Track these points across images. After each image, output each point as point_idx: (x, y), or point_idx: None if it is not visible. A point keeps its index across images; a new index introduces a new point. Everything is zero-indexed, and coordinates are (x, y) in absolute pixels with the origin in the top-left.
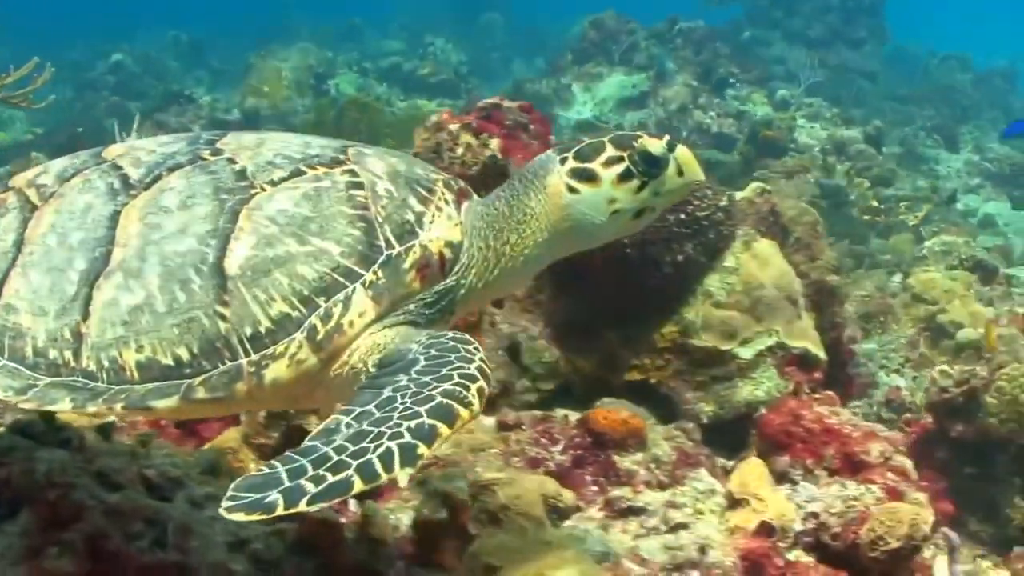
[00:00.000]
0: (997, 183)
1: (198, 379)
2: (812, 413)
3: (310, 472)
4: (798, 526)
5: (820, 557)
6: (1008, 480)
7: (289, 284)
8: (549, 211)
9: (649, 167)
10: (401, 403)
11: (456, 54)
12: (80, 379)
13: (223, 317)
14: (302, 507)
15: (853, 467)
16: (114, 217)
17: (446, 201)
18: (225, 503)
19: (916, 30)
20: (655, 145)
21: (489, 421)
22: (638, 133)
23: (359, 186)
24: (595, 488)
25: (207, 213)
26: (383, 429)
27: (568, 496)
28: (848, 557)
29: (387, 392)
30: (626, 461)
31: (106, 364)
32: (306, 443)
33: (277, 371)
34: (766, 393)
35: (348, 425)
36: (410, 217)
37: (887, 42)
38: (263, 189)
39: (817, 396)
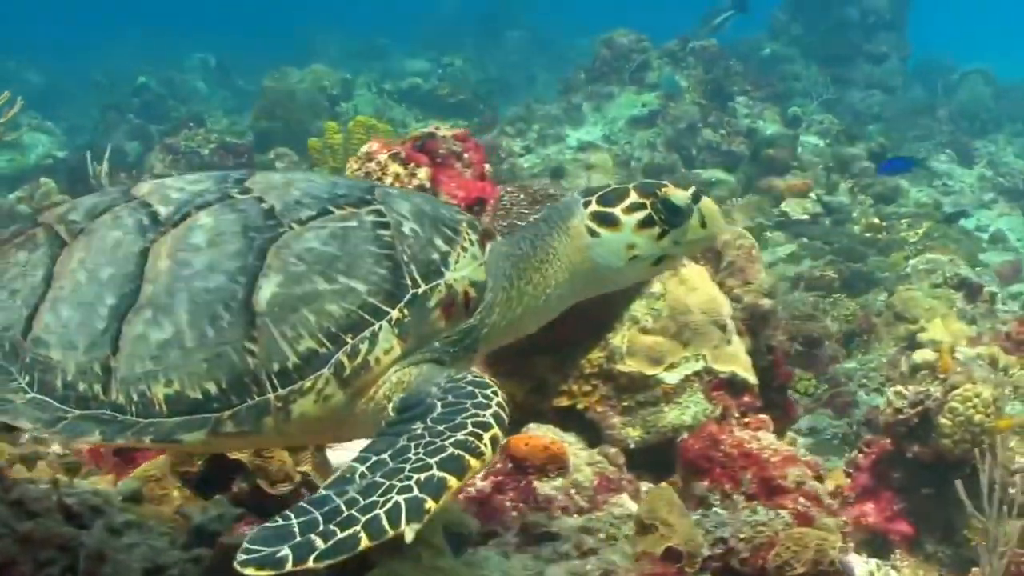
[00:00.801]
0: (1011, 198)
1: (226, 413)
2: (731, 438)
3: (320, 527)
4: (706, 551)
5: None
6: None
7: (316, 321)
8: (570, 252)
9: (671, 216)
10: (414, 453)
11: (475, 74)
12: (109, 412)
13: (251, 353)
14: (310, 564)
15: (770, 492)
16: (143, 253)
17: (471, 241)
18: (240, 555)
19: (939, 45)
20: (679, 195)
21: None
22: (664, 182)
23: (385, 226)
24: (514, 513)
25: (236, 251)
26: (394, 482)
27: (473, 523)
28: None
29: (402, 441)
30: (546, 487)
31: (135, 398)
32: (321, 491)
33: (304, 406)
34: (692, 418)
35: (362, 475)
36: (435, 257)
37: (909, 57)
38: (291, 228)
39: (747, 420)
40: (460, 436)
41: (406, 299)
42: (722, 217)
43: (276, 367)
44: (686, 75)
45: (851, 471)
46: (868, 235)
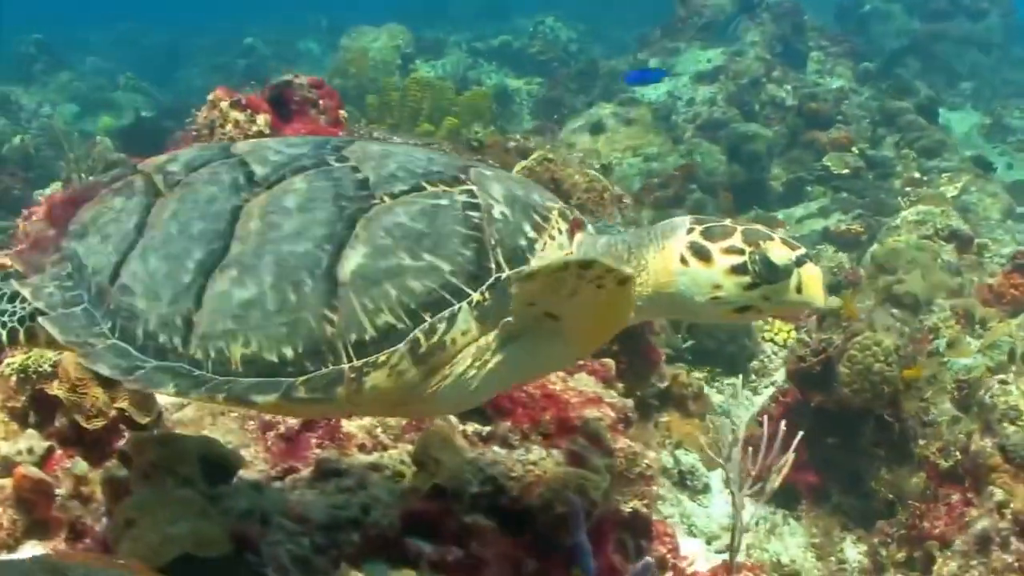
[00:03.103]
0: None
1: (300, 379)
2: None
3: None
4: (475, 489)
5: (499, 521)
6: (872, 452)
7: (397, 296)
8: (658, 270)
9: (765, 271)
10: None
11: (566, 31)
12: (186, 366)
13: (330, 321)
14: None
15: (566, 433)
16: (235, 212)
17: (559, 231)
18: None
19: None
20: (779, 254)
21: None
22: (773, 235)
23: (476, 207)
24: (318, 451)
25: (325, 218)
26: None
27: (236, 456)
28: (525, 521)
29: None
30: (352, 425)
31: (213, 354)
32: None
33: (377, 379)
34: None
35: None
36: (522, 243)
37: (1012, 13)
38: (382, 200)
39: (583, 362)
40: None
41: (489, 282)
42: (823, 289)
43: (353, 338)
44: (758, 30)
45: (762, 421)
46: (908, 189)
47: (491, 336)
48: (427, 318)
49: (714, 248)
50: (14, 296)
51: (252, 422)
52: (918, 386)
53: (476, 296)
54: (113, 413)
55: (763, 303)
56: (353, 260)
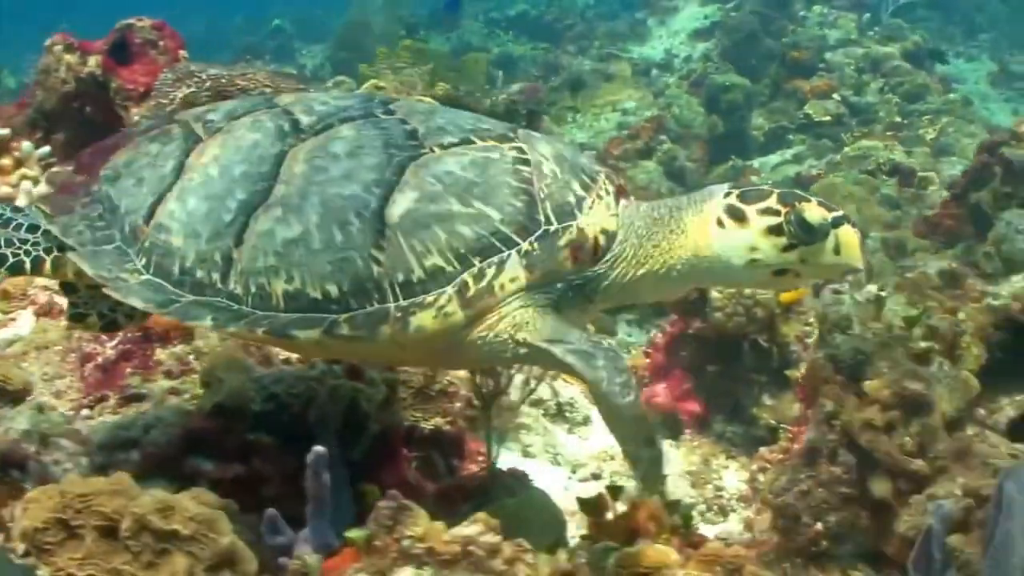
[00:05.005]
0: None
1: (344, 316)
2: None
3: None
4: (257, 407)
5: (282, 437)
6: (752, 378)
7: (447, 240)
8: (697, 234)
9: (801, 231)
10: None
11: None
12: (224, 300)
13: (377, 261)
14: None
15: None
16: (280, 156)
17: (607, 191)
18: None
19: None
20: (814, 213)
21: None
22: (808, 196)
23: (526, 162)
24: (131, 380)
25: (374, 164)
26: None
27: (18, 378)
28: (308, 436)
29: None
30: (164, 353)
31: (253, 289)
32: None
33: (423, 320)
34: None
35: None
36: (571, 199)
37: None
38: (432, 150)
39: None
40: None
41: (538, 234)
42: (860, 250)
43: (400, 278)
44: None
45: (649, 351)
46: (889, 134)
47: (535, 302)
48: (476, 263)
49: (750, 210)
50: (34, 227)
51: (73, 354)
52: (801, 310)
53: (525, 246)
54: None
55: (800, 266)
56: (402, 204)
